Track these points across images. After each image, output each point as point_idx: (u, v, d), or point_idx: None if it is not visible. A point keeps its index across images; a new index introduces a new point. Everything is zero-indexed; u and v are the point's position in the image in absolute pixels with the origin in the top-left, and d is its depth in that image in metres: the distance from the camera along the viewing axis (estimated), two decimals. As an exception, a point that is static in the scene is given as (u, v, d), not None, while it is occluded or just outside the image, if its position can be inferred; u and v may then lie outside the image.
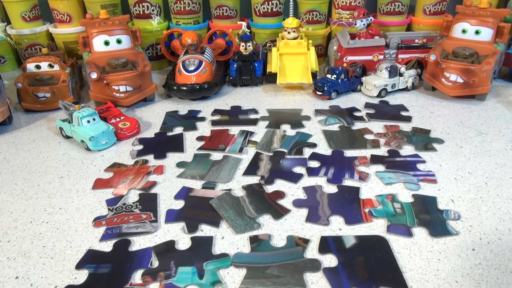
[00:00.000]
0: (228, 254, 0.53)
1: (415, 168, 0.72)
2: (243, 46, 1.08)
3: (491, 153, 0.76)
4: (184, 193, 0.67)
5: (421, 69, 1.11)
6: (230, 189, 0.67)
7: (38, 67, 1.01)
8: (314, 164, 0.74)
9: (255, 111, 0.96)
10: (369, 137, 0.83)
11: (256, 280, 0.49)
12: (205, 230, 0.58)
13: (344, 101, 1.01)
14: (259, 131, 0.87)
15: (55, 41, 1.25)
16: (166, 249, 0.55)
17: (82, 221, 0.61)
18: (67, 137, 0.86)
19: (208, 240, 0.56)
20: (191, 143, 0.83)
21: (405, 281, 0.49)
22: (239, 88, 1.11)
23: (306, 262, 0.52)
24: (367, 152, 0.77)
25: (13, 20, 1.24)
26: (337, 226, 0.58)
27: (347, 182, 0.68)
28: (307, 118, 0.92)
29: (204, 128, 0.89)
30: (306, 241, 0.56)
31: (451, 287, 0.48)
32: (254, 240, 0.56)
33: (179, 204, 0.64)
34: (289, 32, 1.10)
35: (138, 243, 0.56)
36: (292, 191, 0.66)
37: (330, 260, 0.52)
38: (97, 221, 0.61)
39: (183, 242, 0.56)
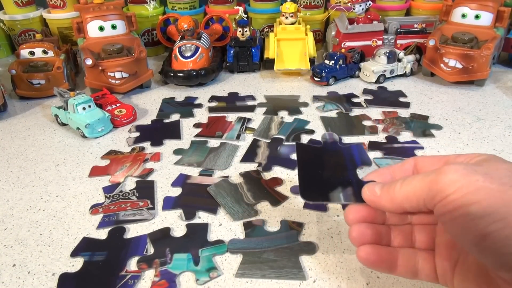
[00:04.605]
0: (223, 240, 0.53)
1: (413, 154, 0.72)
2: (240, 31, 1.07)
3: (489, 139, 0.76)
4: (181, 180, 0.66)
5: (420, 55, 1.10)
6: (227, 176, 0.67)
7: (32, 53, 1.00)
8: (312, 150, 0.74)
9: (252, 97, 0.95)
10: (367, 123, 0.82)
11: (253, 265, 0.50)
12: (202, 217, 0.58)
13: (342, 87, 1.00)
14: (257, 117, 0.86)
15: (49, 27, 1.23)
16: (162, 236, 0.55)
17: (79, 209, 0.61)
18: (63, 125, 0.85)
19: (204, 227, 0.56)
20: (188, 130, 0.82)
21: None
22: (236, 74, 1.10)
23: (301, 245, 0.52)
24: (365, 139, 0.77)
25: (5, 5, 1.21)
26: (334, 213, 0.58)
27: (345, 168, 0.68)
28: (305, 104, 0.91)
29: (201, 115, 0.88)
30: (300, 225, 0.56)
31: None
32: (248, 225, 0.56)
33: (177, 191, 0.64)
34: (286, 17, 1.09)
35: (136, 231, 0.56)
36: (290, 178, 0.66)
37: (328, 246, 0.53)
38: (94, 208, 0.60)
39: (179, 229, 0.56)
